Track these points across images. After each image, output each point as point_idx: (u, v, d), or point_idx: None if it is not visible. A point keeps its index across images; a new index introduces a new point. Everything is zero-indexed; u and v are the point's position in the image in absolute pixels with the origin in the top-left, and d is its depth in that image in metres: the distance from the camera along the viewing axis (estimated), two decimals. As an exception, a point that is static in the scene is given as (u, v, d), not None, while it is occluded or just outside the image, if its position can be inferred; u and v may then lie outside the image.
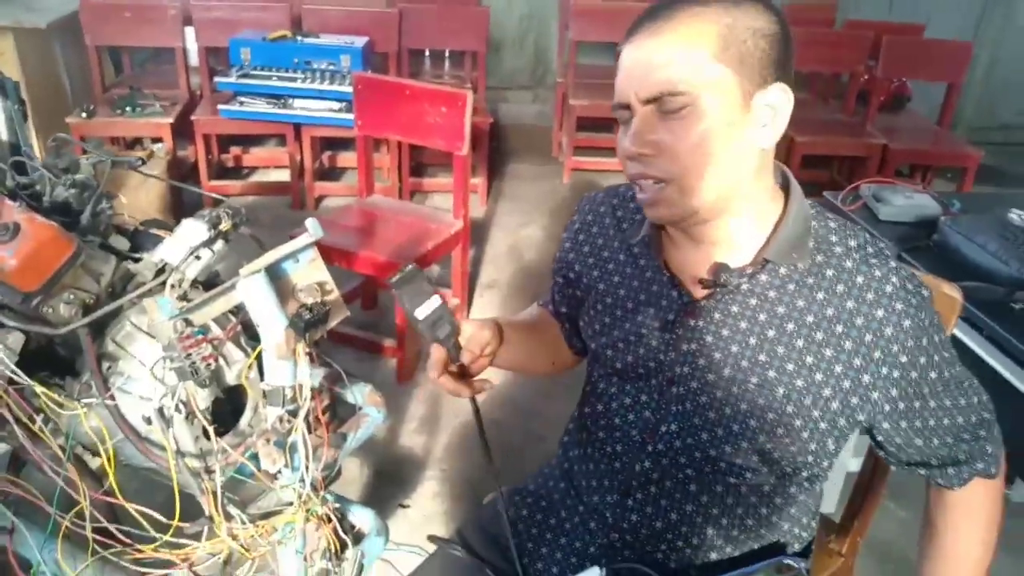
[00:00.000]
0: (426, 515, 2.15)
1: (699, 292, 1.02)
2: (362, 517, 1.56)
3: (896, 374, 0.96)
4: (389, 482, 2.28)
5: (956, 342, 1.67)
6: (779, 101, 0.91)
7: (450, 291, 3.02)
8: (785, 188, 1.01)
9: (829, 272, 0.97)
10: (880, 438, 1.04)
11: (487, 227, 3.89)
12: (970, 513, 1.08)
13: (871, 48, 3.99)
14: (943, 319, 1.19)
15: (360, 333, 2.82)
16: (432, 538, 1.28)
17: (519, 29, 5.18)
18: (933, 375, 0.98)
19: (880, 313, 0.95)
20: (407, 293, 1.02)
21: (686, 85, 0.88)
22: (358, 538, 1.52)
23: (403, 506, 2.20)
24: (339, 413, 1.52)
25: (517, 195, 4.24)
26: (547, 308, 1.30)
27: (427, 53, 4.60)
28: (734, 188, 0.94)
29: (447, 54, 4.60)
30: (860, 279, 0.96)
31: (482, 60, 4.19)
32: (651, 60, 0.90)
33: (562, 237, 1.22)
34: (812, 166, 4.12)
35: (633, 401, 1.08)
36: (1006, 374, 1.56)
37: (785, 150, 3.87)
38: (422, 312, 1.02)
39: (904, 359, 0.96)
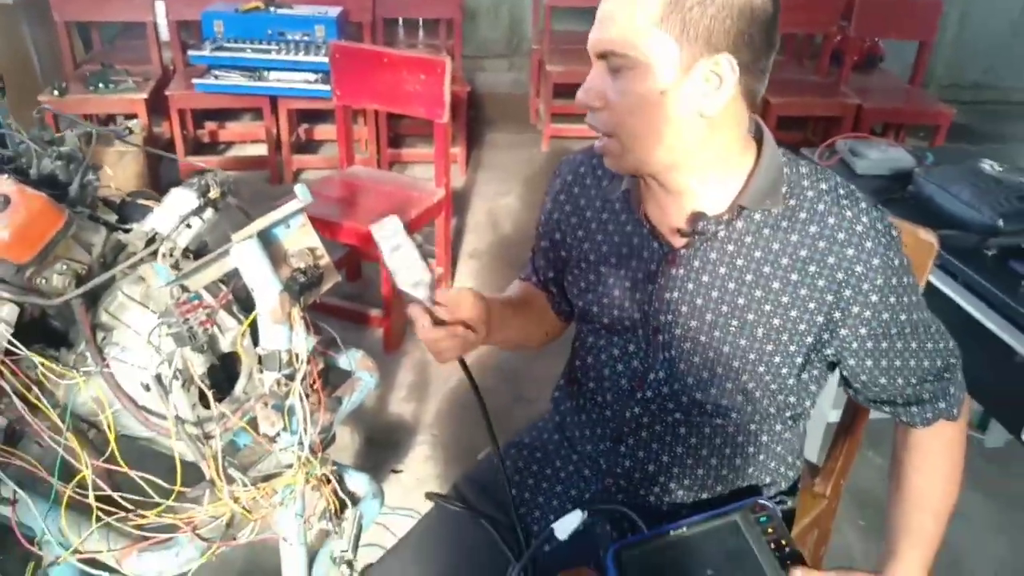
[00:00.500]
0: (419, 479, 2.19)
1: (678, 242, 1.05)
2: (357, 481, 1.58)
3: (867, 313, 0.99)
4: (381, 449, 2.31)
5: (932, 288, 1.72)
6: (724, 72, 0.91)
7: (434, 260, 3.04)
8: (759, 138, 1.03)
9: (802, 215, 1.00)
10: (845, 373, 1.08)
11: (467, 196, 3.90)
12: (933, 452, 1.11)
13: (844, 8, 4.02)
14: (919, 264, 1.23)
15: (346, 304, 2.83)
16: (429, 495, 1.31)
17: (493, -3, 5.15)
18: (903, 316, 1.01)
19: (851, 252, 0.97)
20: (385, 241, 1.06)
21: (625, 47, 0.91)
22: (354, 502, 1.55)
23: (395, 471, 2.23)
24: (331, 379, 1.54)
25: (496, 164, 4.24)
26: (530, 280, 1.31)
27: (400, 22, 4.56)
28: (675, 151, 0.96)
29: (421, 23, 4.57)
30: (832, 220, 0.99)
31: (458, 28, 4.17)
32: (606, 17, 0.93)
33: (544, 201, 1.24)
34: (787, 127, 4.16)
35: (621, 352, 1.12)
36: (981, 318, 1.61)
37: (760, 112, 3.88)
38: (396, 262, 1.07)
39: (874, 298, 0.99)
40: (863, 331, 1.01)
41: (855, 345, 1.02)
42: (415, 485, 2.15)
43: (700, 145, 0.96)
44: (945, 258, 1.64)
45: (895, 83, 4.29)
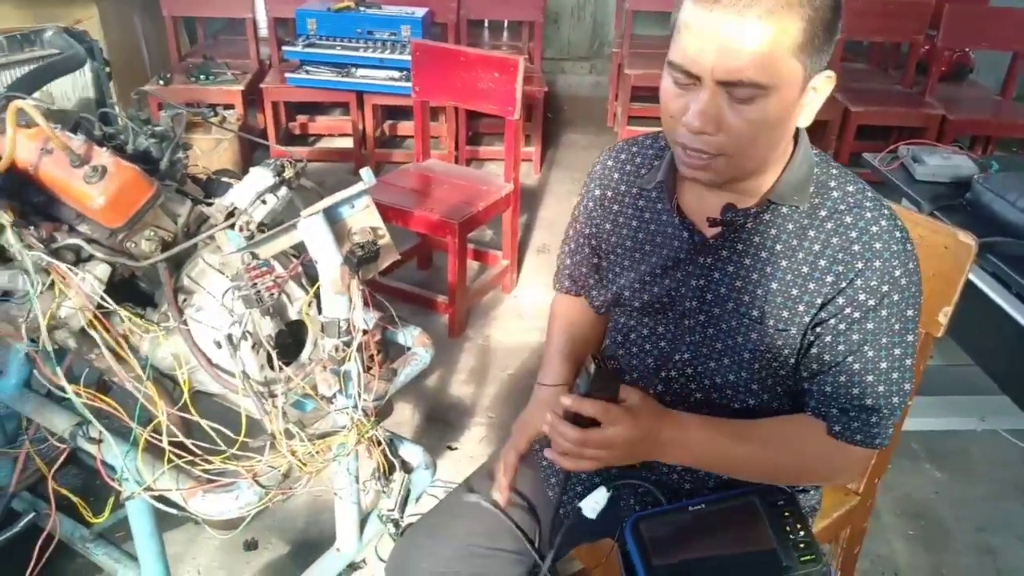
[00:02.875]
0: (472, 457, 2.28)
1: (709, 232, 1.10)
2: (412, 452, 1.68)
3: (847, 309, 1.01)
4: (439, 426, 2.42)
5: (983, 299, 1.70)
6: (823, 86, 0.96)
7: (500, 253, 3.13)
8: (795, 137, 1.07)
9: (823, 212, 1.04)
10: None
11: (540, 194, 3.98)
12: (794, 430, 1.10)
13: (932, 17, 3.93)
14: (957, 265, 1.25)
15: (415, 289, 2.96)
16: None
17: (577, 1, 5.22)
18: (870, 326, 1.01)
19: (857, 248, 1.00)
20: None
21: (763, 78, 0.89)
22: (408, 471, 1.65)
23: (451, 448, 2.33)
24: (391, 354, 1.64)
25: (571, 164, 4.32)
26: (569, 292, 1.36)
27: (486, 23, 4.68)
28: (775, 154, 1.02)
29: (505, 24, 4.67)
30: (849, 218, 1.02)
31: (539, 30, 4.25)
32: (733, 43, 0.88)
33: (587, 189, 1.27)
34: (868, 137, 4.08)
35: (650, 332, 1.18)
36: (1032, 329, 1.59)
37: (840, 120, 3.86)
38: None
39: (861, 297, 1.00)
40: (832, 322, 1.02)
41: (819, 330, 1.04)
42: (468, 462, 2.24)
43: (785, 145, 1.02)
44: (997, 266, 1.63)
45: (984, 94, 4.18)
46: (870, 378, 1.03)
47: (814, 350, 1.05)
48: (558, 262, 1.39)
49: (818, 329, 1.04)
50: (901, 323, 1.02)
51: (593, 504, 1.19)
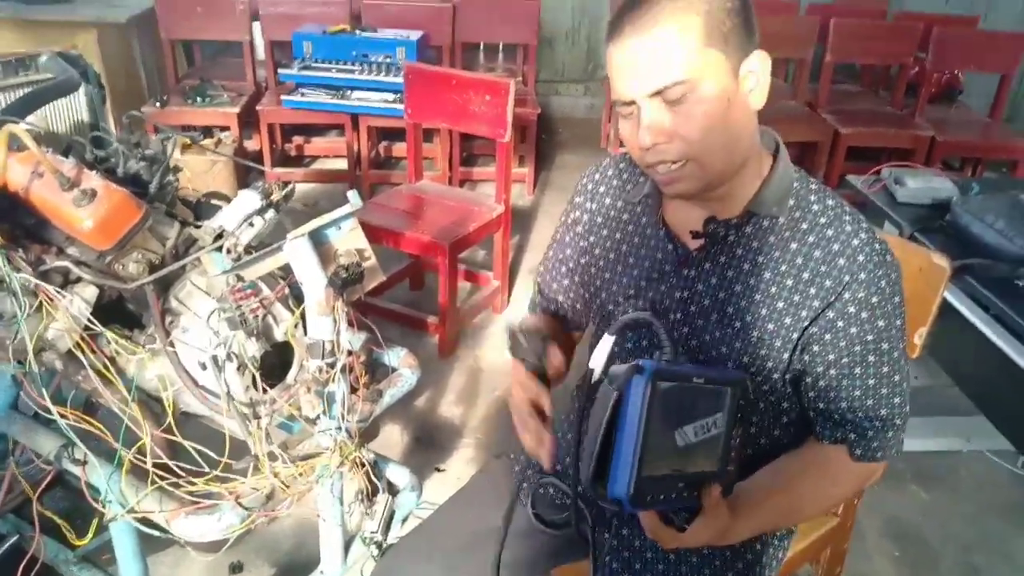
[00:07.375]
0: (460, 478, 2.27)
1: (693, 244, 1.12)
2: (398, 474, 1.69)
3: (840, 323, 1.04)
4: (427, 447, 2.42)
5: (962, 321, 1.72)
6: (759, 67, 1.00)
7: (492, 274, 3.15)
8: (775, 153, 1.10)
9: (804, 225, 1.06)
10: (803, 376, 1.10)
11: (533, 215, 4.01)
12: (819, 468, 1.13)
13: (922, 40, 3.97)
14: (932, 287, 1.27)
15: (407, 310, 2.97)
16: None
17: (572, 23, 5.27)
18: (869, 338, 1.04)
19: (842, 262, 1.03)
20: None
21: (683, 74, 0.95)
22: (394, 493, 1.66)
23: (439, 470, 2.34)
24: (377, 375, 1.65)
25: (565, 185, 4.34)
26: (545, 312, 1.39)
27: (481, 46, 4.72)
28: (742, 148, 1.04)
29: (500, 47, 4.72)
30: (830, 232, 1.05)
31: (532, 52, 4.29)
32: (646, 59, 0.96)
33: (573, 205, 1.29)
34: (858, 158, 4.08)
35: (633, 346, 1.19)
36: (1012, 354, 1.60)
37: (830, 141, 3.89)
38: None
39: (851, 309, 1.03)
40: (828, 337, 1.05)
41: (816, 348, 1.06)
42: (456, 484, 2.22)
43: (752, 142, 1.06)
44: (976, 288, 1.65)
45: (972, 117, 4.22)
46: (884, 391, 1.07)
47: (819, 368, 1.07)
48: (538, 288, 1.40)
49: (815, 348, 1.06)
50: (897, 328, 1.06)
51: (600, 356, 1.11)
